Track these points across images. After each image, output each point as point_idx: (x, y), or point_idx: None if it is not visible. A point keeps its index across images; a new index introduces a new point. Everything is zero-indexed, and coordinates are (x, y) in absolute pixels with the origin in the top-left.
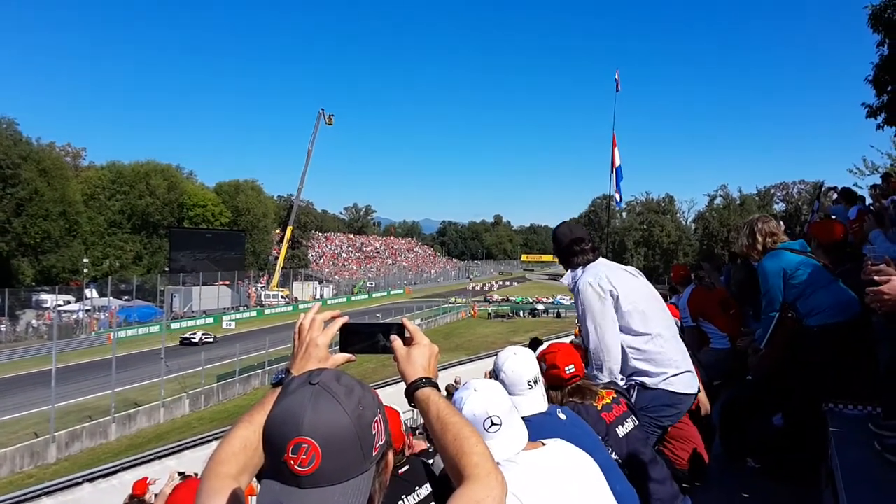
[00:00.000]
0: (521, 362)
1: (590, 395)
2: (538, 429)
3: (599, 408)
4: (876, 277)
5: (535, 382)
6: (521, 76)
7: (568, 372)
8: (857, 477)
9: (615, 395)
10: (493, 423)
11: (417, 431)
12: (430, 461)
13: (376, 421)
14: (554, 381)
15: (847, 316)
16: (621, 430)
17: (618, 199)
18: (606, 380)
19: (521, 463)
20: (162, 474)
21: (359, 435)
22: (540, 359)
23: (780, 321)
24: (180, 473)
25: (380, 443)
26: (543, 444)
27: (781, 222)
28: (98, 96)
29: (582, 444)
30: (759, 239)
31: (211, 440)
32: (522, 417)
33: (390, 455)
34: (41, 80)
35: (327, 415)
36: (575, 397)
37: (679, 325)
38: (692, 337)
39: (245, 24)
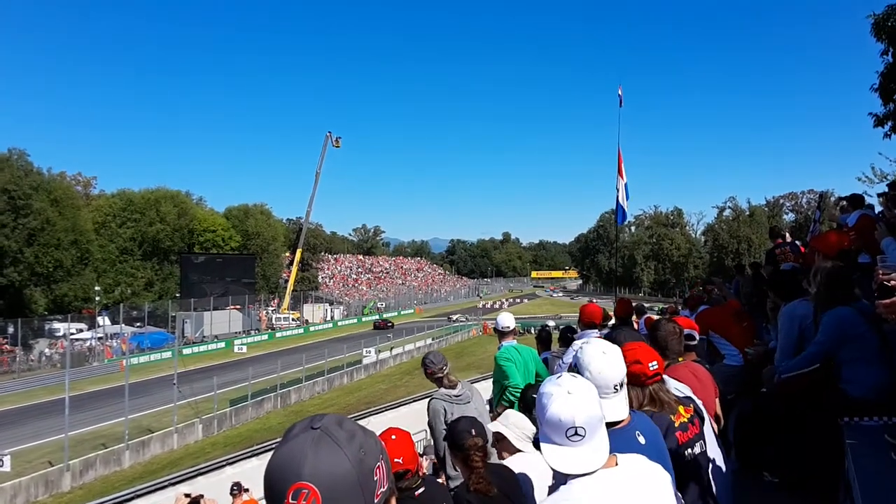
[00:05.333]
0: (609, 364)
1: (668, 408)
2: (612, 447)
3: (677, 425)
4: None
5: (621, 386)
6: (527, 93)
7: (652, 368)
8: (875, 488)
9: (692, 414)
10: (576, 434)
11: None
12: (442, 481)
13: (378, 467)
14: (635, 379)
15: (887, 398)
16: (689, 453)
17: (626, 213)
18: None
19: (593, 482)
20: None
21: (360, 481)
22: (575, 353)
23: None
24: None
25: (381, 489)
26: (617, 463)
27: (788, 234)
28: (107, 125)
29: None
30: (836, 288)
31: (224, 465)
32: None
33: (393, 501)
34: (51, 111)
35: (328, 460)
36: (652, 406)
37: (694, 335)
38: (702, 350)
39: (252, 47)
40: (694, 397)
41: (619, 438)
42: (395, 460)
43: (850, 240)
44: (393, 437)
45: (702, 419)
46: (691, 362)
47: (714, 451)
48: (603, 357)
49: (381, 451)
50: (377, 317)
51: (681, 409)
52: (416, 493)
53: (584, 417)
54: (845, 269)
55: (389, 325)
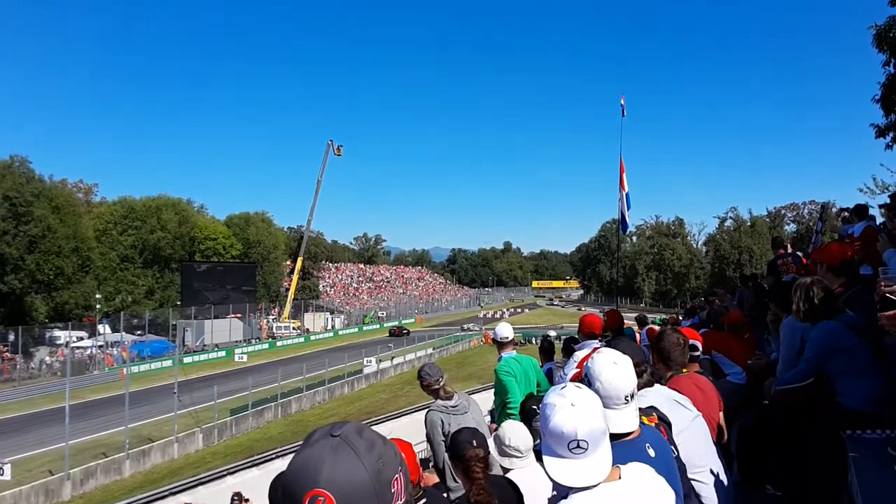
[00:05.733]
0: (620, 375)
1: None
2: (622, 459)
3: None
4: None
5: (632, 397)
6: (528, 103)
7: None
8: (878, 501)
9: (657, 422)
10: (578, 447)
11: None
12: (445, 494)
13: (396, 479)
14: None
15: (884, 410)
16: None
17: (627, 223)
18: None
19: (595, 496)
20: None
21: (377, 491)
22: (585, 363)
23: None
24: None
25: (399, 501)
26: (620, 476)
27: (789, 245)
28: (109, 133)
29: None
30: (817, 304)
31: (225, 475)
32: (610, 435)
33: None
34: (53, 118)
35: (346, 469)
36: None
37: (697, 346)
38: (706, 367)
39: (253, 56)
40: (679, 404)
41: (629, 450)
42: None
43: (853, 250)
44: None
45: (668, 425)
46: (695, 374)
47: (716, 464)
48: (614, 367)
49: (400, 462)
50: (376, 325)
51: (644, 419)
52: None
53: (587, 430)
54: (824, 284)
55: (405, 332)
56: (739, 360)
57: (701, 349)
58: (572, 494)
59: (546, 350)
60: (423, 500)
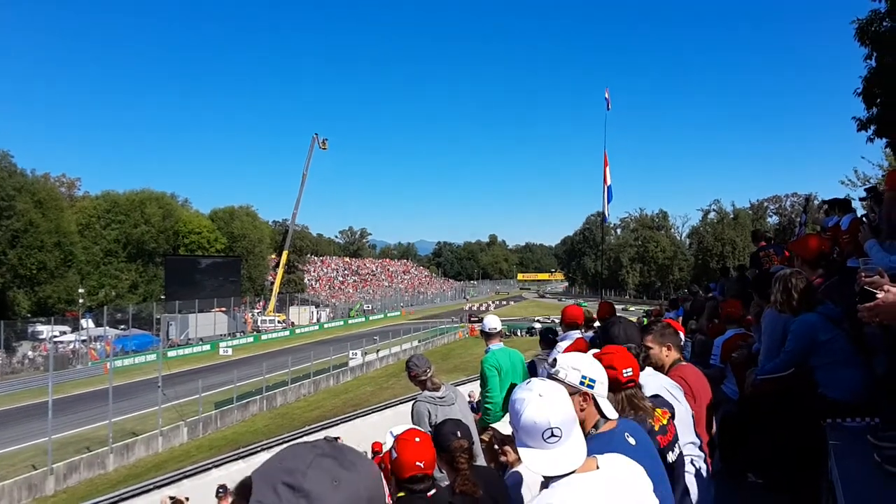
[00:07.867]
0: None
1: (645, 412)
2: (601, 449)
3: (657, 429)
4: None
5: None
6: (513, 96)
7: (626, 375)
8: (857, 489)
9: (670, 416)
10: (553, 435)
11: None
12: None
13: None
14: (610, 385)
15: (864, 399)
16: (671, 456)
17: (607, 216)
18: None
19: (575, 485)
20: None
21: None
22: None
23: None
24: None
25: None
26: (598, 466)
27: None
28: (92, 127)
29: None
30: (795, 295)
31: (210, 468)
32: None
33: None
34: (35, 112)
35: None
36: (631, 411)
37: (681, 336)
38: (715, 373)
39: (237, 48)
40: (673, 396)
41: (611, 441)
42: (417, 464)
43: (828, 242)
44: (417, 439)
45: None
46: (690, 364)
47: (697, 454)
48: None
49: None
50: (361, 318)
51: (658, 412)
52: (429, 494)
53: (560, 418)
54: (803, 276)
55: (478, 318)
56: (740, 384)
57: (683, 338)
58: (553, 484)
59: (548, 340)
60: (434, 491)
